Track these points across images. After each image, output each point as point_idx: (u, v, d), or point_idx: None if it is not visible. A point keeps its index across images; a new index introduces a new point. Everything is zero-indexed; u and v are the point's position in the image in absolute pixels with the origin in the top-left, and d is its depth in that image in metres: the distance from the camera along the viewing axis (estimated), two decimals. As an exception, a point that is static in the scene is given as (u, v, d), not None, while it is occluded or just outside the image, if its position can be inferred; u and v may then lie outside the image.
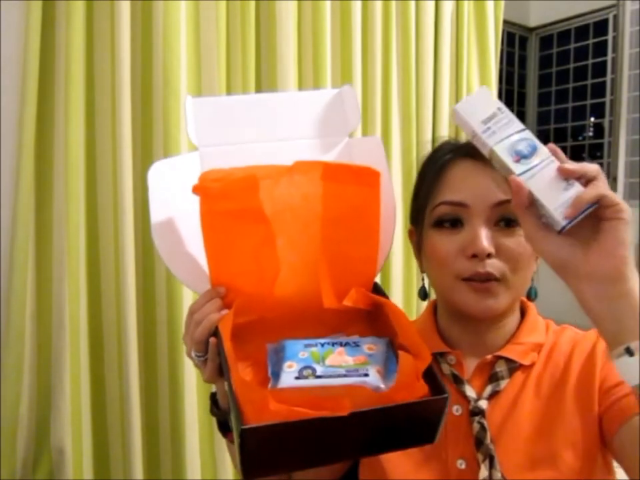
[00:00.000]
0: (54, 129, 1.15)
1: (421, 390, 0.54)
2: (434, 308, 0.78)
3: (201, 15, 1.28)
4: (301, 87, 1.41)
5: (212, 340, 0.61)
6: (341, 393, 0.50)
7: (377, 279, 0.70)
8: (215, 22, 1.27)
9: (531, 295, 0.73)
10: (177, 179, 0.67)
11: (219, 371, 0.62)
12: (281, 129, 0.73)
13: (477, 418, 0.66)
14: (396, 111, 1.60)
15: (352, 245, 0.65)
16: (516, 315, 0.73)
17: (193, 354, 0.64)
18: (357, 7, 1.48)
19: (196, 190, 0.61)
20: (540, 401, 0.67)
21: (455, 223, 0.68)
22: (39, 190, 1.15)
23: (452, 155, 0.71)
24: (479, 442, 0.64)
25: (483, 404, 0.66)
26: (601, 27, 3.29)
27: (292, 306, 0.64)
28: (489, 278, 0.64)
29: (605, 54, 3.27)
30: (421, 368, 0.55)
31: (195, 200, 0.61)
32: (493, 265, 0.64)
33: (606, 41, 3.26)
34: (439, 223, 0.69)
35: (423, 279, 0.77)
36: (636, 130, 2.83)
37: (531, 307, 0.75)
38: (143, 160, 1.22)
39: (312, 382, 0.55)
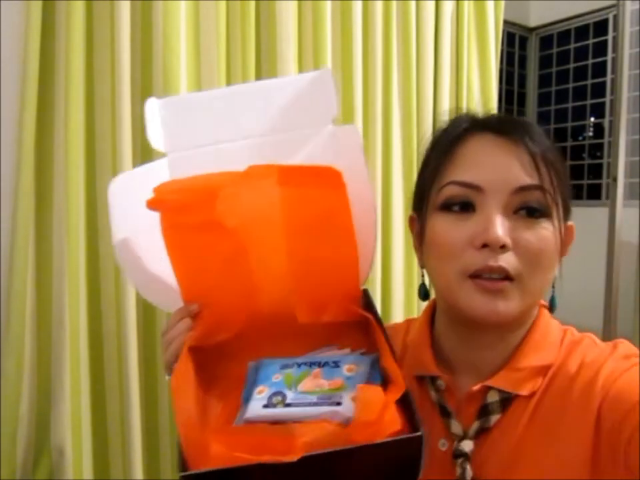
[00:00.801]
0: (54, 129, 1.15)
1: (390, 426, 0.46)
2: (432, 311, 0.67)
3: (200, 15, 1.27)
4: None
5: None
6: (299, 432, 0.46)
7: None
8: (215, 22, 1.27)
9: (552, 305, 0.61)
10: (140, 192, 0.60)
11: None
12: (256, 123, 0.65)
13: (459, 461, 0.56)
14: (396, 110, 1.60)
15: (325, 251, 0.59)
16: (527, 328, 0.60)
17: (166, 376, 0.60)
18: (357, 7, 1.48)
19: (152, 204, 0.55)
20: (533, 437, 0.56)
21: (466, 207, 0.56)
22: (38, 190, 1.14)
23: (468, 126, 0.59)
24: None
25: (467, 446, 0.56)
26: (601, 27, 3.29)
27: (276, 319, 0.59)
28: (501, 275, 0.53)
29: (605, 54, 3.26)
30: (391, 400, 0.48)
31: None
32: (508, 260, 0.53)
33: (606, 40, 3.26)
34: (446, 206, 0.57)
35: (423, 275, 0.65)
36: (636, 130, 2.83)
37: (543, 314, 0.62)
38: (143, 160, 1.22)
39: (280, 411, 0.51)
